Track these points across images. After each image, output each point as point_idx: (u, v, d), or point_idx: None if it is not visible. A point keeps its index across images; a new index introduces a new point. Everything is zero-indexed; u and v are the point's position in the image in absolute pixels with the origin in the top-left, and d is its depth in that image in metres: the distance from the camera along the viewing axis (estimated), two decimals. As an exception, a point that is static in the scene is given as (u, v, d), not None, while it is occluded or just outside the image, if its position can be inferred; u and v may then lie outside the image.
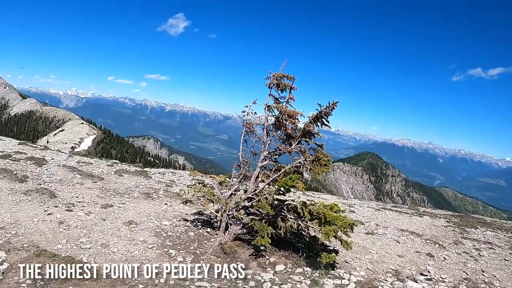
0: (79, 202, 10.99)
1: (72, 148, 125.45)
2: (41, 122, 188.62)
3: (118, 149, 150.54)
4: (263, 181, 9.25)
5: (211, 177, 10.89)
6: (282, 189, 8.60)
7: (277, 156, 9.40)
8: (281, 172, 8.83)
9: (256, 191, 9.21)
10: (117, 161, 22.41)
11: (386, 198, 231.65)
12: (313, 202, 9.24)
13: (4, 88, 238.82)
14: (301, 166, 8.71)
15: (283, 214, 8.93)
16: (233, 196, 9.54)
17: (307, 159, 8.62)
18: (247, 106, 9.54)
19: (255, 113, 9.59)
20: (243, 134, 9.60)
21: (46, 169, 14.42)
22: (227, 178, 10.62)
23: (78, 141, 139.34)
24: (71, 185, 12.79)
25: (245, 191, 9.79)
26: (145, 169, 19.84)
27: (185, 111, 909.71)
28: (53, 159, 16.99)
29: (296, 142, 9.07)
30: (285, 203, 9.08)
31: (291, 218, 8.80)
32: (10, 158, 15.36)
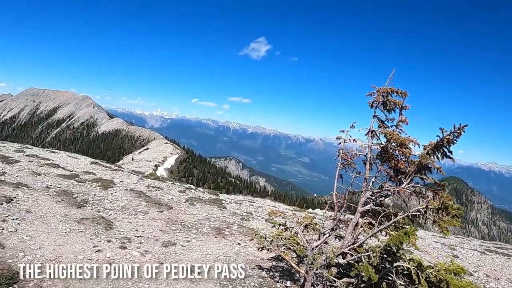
0: (137, 237, 9.36)
1: (156, 166, 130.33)
2: (127, 140, 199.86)
3: (200, 169, 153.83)
4: (364, 231, 6.89)
5: (293, 213, 8.69)
6: (392, 248, 6.16)
7: (383, 198, 6.96)
8: (391, 222, 6.38)
9: (355, 245, 6.75)
10: (192, 186, 21.03)
11: (471, 227, 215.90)
12: (431, 265, 6.59)
13: (93, 108, 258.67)
14: (421, 216, 6.23)
15: (390, 279, 6.45)
16: (322, 247, 7.26)
17: (429, 207, 6.10)
18: (343, 131, 7.21)
19: (354, 140, 7.29)
20: (338, 168, 7.19)
21: (111, 193, 13.18)
22: (315, 220, 8.33)
23: (162, 159, 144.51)
24: (133, 214, 11.31)
25: (339, 237, 7.52)
26: (220, 196, 18.17)
27: (267, 133, 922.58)
28: (122, 181, 15.85)
29: (409, 180, 6.57)
30: (394, 265, 6.53)
31: (401, 285, 6.32)
32: (76, 178, 14.41)
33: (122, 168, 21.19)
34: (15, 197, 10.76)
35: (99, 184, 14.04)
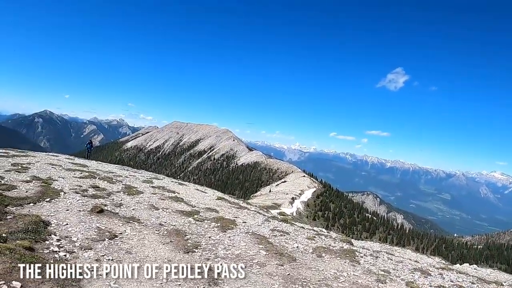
0: (247, 302, 7.40)
1: (292, 199, 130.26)
2: (265, 172, 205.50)
3: (336, 203, 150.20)
4: None
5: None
6: None
7: None
8: None
9: None
10: (323, 230, 18.52)
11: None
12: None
13: (233, 140, 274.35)
14: None
15: None
16: None
17: None
18: None
19: None
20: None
21: (228, 237, 11.50)
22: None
23: (299, 192, 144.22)
24: (248, 266, 9.37)
25: None
26: (354, 244, 15.40)
27: (406, 167, 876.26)
28: (245, 222, 14.19)
29: None
30: None
31: None
32: (195, 216, 13.14)
33: (249, 205, 19.79)
34: (121, 233, 9.81)
35: (219, 224, 12.54)
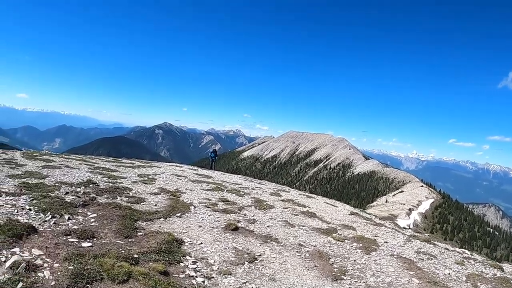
0: None
1: (409, 210, 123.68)
2: (381, 182, 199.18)
3: (455, 216, 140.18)
4: None
5: None
6: None
7: None
8: None
9: None
10: (466, 251, 16.27)
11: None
12: None
13: (349, 149, 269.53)
14: None
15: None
16: None
17: None
18: None
19: None
20: None
21: (374, 261, 10.30)
22: None
23: (416, 203, 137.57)
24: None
25: None
26: (504, 271, 13.11)
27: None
28: (386, 242, 12.90)
29: None
30: None
31: None
32: (334, 235, 12.16)
33: (385, 222, 18.41)
34: (260, 255, 9.01)
35: (360, 245, 11.52)
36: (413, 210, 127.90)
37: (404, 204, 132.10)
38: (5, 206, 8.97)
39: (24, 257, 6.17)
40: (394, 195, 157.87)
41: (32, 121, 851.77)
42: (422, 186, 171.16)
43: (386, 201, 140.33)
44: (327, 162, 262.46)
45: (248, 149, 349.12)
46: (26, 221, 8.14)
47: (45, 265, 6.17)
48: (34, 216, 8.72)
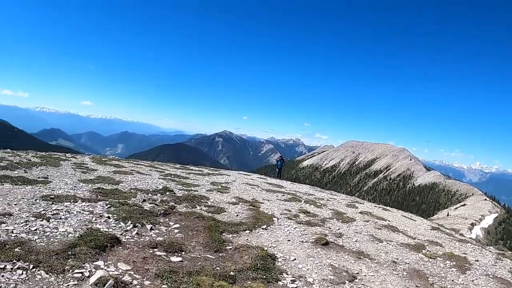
0: None
1: (472, 224, 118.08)
2: (443, 194, 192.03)
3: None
4: None
5: None
6: None
7: None
8: None
9: None
10: None
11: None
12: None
13: (410, 160, 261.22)
14: None
15: None
16: None
17: None
18: None
19: None
20: None
21: (472, 281, 9.86)
22: None
23: (479, 218, 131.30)
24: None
25: None
26: None
27: None
28: (477, 260, 12.35)
29: None
30: None
31: None
32: (423, 251, 11.34)
33: (470, 239, 17.72)
34: (358, 273, 8.47)
35: (454, 263, 11.09)
36: (475, 225, 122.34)
37: (466, 219, 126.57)
38: (82, 213, 8.76)
39: (110, 272, 5.79)
40: (456, 208, 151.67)
41: (96, 127, 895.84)
42: (485, 199, 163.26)
43: (448, 215, 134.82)
44: (387, 173, 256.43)
45: (308, 158, 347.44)
46: (107, 230, 7.87)
47: (135, 282, 5.76)
48: (114, 224, 8.45)
